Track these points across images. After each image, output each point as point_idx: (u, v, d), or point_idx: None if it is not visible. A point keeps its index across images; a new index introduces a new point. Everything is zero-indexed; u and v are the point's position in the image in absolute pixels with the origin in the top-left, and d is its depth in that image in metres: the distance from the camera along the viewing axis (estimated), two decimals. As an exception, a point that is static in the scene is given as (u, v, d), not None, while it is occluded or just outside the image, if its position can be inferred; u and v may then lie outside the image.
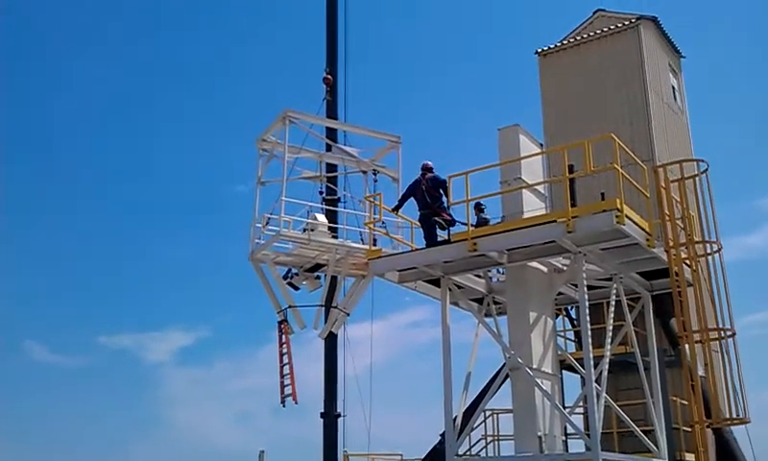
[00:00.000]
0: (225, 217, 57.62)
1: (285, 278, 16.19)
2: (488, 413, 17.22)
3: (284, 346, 15.81)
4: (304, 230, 15.26)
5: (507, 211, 13.61)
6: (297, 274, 16.19)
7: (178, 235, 61.09)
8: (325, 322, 16.20)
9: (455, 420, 13.45)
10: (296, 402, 15.59)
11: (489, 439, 17.48)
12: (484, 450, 17.60)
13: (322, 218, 15.84)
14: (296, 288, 16.17)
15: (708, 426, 13.90)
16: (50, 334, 55.00)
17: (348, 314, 16.50)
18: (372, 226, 14.85)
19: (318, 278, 16.28)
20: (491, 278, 15.11)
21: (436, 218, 13.85)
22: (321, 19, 20.76)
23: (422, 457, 18.60)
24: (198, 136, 61.75)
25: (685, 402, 14.02)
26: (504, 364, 13.35)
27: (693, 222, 14.34)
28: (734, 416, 13.67)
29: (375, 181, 17.24)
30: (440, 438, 17.24)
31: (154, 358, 55.57)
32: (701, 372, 13.60)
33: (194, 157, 62.95)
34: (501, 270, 14.42)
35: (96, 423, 48.72)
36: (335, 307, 16.20)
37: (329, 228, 15.98)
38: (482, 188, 13.99)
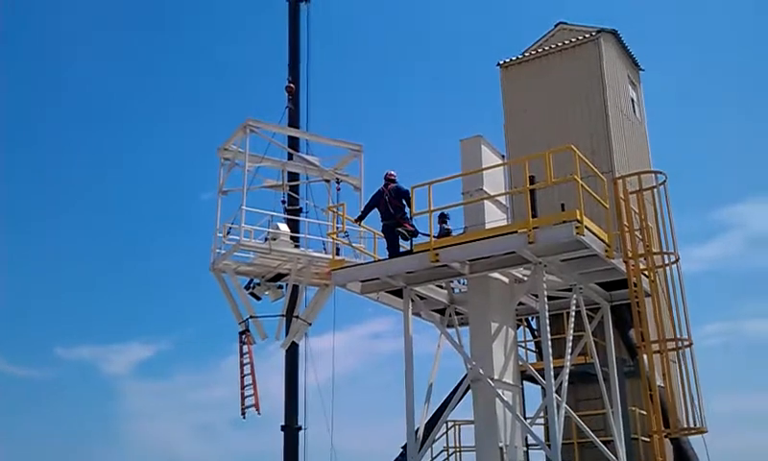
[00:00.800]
0: (190, 226, 56.78)
1: (247, 288, 16.04)
2: (450, 424, 17.18)
3: (246, 356, 15.64)
4: (266, 239, 15.13)
5: (469, 222, 13.64)
6: (258, 284, 16.04)
7: (142, 245, 60.05)
8: (287, 333, 16.06)
9: (417, 431, 13.39)
10: (259, 413, 15.44)
11: (451, 451, 17.43)
12: (446, 462, 17.56)
13: (284, 227, 15.72)
14: (258, 298, 16.03)
15: (666, 436, 14.05)
16: (6, 345, 53.69)
17: (310, 324, 16.38)
18: (334, 236, 14.77)
19: (280, 287, 16.15)
20: (453, 288, 15.12)
21: (399, 228, 13.82)
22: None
23: (384, 469, 18.50)
24: (168, 144, 60.94)
25: (644, 412, 14.16)
26: (466, 375, 13.34)
27: (651, 233, 14.52)
28: (692, 426, 13.83)
29: (338, 189, 17.17)
30: (401, 450, 17.15)
31: (113, 370, 54.56)
32: (659, 382, 13.74)
33: (161, 164, 62.03)
34: (463, 281, 14.44)
35: (54, 436, 47.67)
36: (297, 317, 16.08)
37: (291, 237, 15.86)
38: (446, 199, 14.02)
